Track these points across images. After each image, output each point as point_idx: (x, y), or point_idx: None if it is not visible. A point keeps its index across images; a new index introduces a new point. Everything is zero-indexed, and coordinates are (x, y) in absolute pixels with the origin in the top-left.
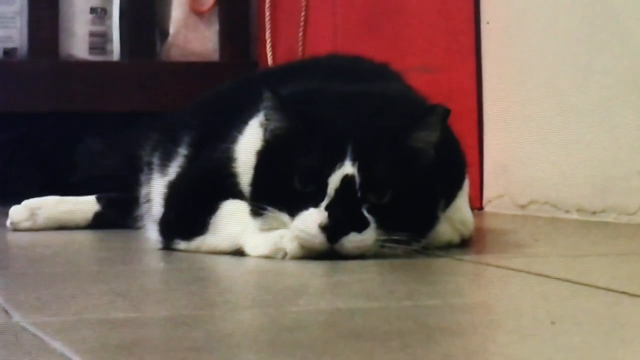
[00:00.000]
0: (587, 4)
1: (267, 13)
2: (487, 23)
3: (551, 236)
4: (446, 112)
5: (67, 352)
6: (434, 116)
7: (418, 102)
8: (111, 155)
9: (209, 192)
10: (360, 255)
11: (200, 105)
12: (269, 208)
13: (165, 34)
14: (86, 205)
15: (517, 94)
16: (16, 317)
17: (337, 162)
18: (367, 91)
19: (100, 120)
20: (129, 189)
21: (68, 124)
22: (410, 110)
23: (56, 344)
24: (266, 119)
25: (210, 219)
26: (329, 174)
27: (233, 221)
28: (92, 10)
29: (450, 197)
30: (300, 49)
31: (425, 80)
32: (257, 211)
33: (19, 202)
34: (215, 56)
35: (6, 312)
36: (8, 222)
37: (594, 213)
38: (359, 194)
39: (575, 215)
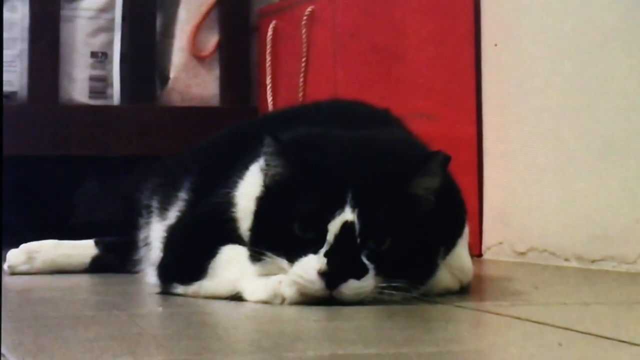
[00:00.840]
0: (584, 59)
1: (268, 58)
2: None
3: (550, 284)
4: (447, 159)
5: None
6: (435, 163)
7: (419, 148)
8: (110, 199)
9: (208, 237)
10: (359, 302)
11: (200, 150)
12: (268, 253)
13: (165, 78)
14: (84, 249)
15: (517, 142)
16: None
17: (337, 208)
18: (367, 137)
19: (100, 164)
20: (127, 233)
21: (67, 168)
22: (411, 157)
23: None
24: (266, 164)
25: (209, 263)
26: (328, 220)
27: (232, 266)
28: (93, 54)
29: (450, 244)
30: (300, 94)
31: (425, 126)
32: (256, 256)
33: (16, 246)
34: (215, 101)
35: (3, 356)
36: (5, 266)
37: (593, 261)
38: (358, 241)
39: (574, 263)
